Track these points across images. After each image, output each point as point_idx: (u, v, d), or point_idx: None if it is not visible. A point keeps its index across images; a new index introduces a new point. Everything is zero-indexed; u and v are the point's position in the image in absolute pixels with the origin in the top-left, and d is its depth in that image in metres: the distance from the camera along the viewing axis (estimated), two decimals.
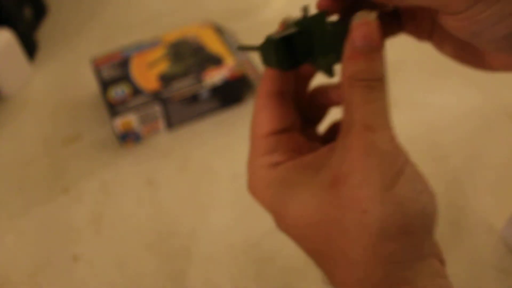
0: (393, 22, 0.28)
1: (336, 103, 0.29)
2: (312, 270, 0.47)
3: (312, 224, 0.22)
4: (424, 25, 0.27)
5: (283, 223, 0.24)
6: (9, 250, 0.50)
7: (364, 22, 0.22)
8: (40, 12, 0.77)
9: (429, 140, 0.57)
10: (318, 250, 0.23)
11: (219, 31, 0.66)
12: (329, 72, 0.26)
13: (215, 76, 0.59)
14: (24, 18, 0.70)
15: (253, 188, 0.27)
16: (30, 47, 0.70)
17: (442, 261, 0.23)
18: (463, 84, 0.60)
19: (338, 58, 0.25)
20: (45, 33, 0.76)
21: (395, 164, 0.21)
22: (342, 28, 0.24)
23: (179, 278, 0.46)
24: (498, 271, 0.45)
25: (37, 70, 0.70)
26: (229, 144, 0.58)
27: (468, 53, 0.26)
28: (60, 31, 0.77)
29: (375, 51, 0.22)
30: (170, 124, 0.60)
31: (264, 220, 0.51)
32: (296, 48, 0.25)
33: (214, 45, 0.63)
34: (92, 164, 0.57)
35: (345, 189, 0.21)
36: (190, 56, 0.61)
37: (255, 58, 0.66)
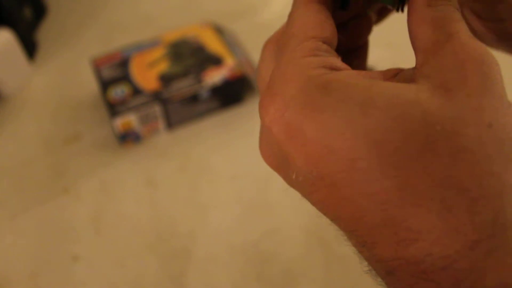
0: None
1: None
2: (312, 270, 0.47)
3: (405, 147, 0.16)
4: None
5: (340, 149, 0.16)
6: (9, 250, 0.50)
7: None
8: (40, 12, 0.77)
9: None
10: (409, 184, 0.16)
11: (219, 31, 0.66)
12: (401, 4, 0.23)
13: (215, 76, 0.59)
14: (24, 18, 0.70)
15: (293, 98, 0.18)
16: (30, 47, 0.70)
17: None
18: None
19: None
20: (45, 33, 0.76)
21: (503, 80, 0.17)
22: None
23: (179, 278, 0.46)
24: None
25: (37, 70, 0.70)
26: (229, 144, 0.58)
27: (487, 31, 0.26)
28: (60, 31, 0.77)
29: None
30: (170, 124, 0.60)
31: (264, 220, 0.51)
32: None
33: (214, 45, 0.63)
34: (92, 164, 0.57)
35: (462, 98, 0.16)
36: (190, 56, 0.61)
37: (255, 58, 0.66)
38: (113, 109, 0.56)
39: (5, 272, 0.48)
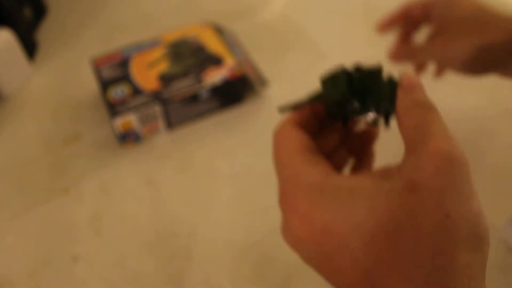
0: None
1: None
2: (312, 270, 0.47)
3: (378, 231, 0.21)
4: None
5: (335, 233, 0.22)
6: (9, 250, 0.50)
7: (410, 76, 0.26)
8: (40, 12, 0.77)
9: None
10: (381, 259, 0.21)
11: (219, 31, 0.66)
12: (387, 121, 0.28)
13: (215, 76, 0.59)
14: (24, 18, 0.70)
15: (295, 198, 0.25)
16: (30, 47, 0.70)
17: None
18: (463, 84, 0.60)
19: (392, 108, 0.27)
20: (45, 33, 0.76)
21: (469, 174, 0.23)
22: (393, 83, 0.27)
23: (179, 278, 0.46)
24: (498, 271, 0.45)
25: (37, 70, 0.70)
26: (229, 144, 0.58)
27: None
28: (60, 31, 0.77)
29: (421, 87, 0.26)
30: (170, 124, 0.60)
31: (264, 220, 0.51)
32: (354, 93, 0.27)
33: (214, 45, 0.63)
34: (92, 164, 0.57)
35: (425, 193, 0.21)
36: (190, 56, 0.61)
37: (255, 58, 0.66)
38: (113, 109, 0.56)
39: (5, 272, 0.48)
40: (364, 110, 0.28)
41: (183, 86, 0.58)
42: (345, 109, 0.28)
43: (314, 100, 0.28)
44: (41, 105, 0.65)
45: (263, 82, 0.63)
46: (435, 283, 0.20)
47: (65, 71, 0.70)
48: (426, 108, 0.24)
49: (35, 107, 0.65)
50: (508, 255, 0.46)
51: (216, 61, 0.61)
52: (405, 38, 0.54)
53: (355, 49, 0.70)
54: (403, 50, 0.51)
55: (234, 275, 0.46)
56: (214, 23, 0.68)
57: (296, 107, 0.29)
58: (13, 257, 0.49)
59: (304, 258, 0.25)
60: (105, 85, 0.58)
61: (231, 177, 0.55)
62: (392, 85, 0.27)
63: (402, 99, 0.25)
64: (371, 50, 0.67)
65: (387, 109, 0.27)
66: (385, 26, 0.53)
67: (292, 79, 0.66)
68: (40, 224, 0.51)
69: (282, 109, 0.29)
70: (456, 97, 0.62)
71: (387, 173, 0.23)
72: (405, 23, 0.52)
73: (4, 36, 0.62)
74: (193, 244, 0.49)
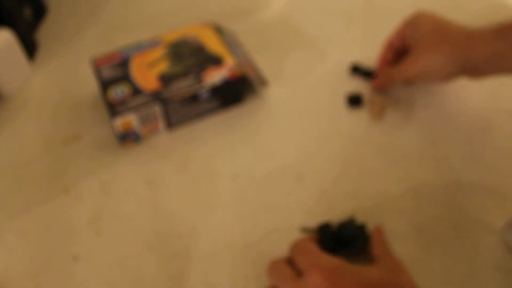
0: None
1: None
2: None
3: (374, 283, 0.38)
4: None
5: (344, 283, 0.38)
6: (9, 250, 0.50)
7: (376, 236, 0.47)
8: (40, 12, 0.77)
9: (429, 139, 0.57)
10: None
11: (219, 31, 0.66)
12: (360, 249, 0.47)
13: (215, 76, 0.59)
14: (24, 18, 0.70)
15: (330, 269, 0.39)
16: (30, 47, 0.70)
17: None
18: (463, 84, 0.60)
19: (365, 246, 0.46)
20: (45, 33, 0.76)
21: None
22: (364, 230, 0.47)
23: (179, 278, 0.46)
24: (498, 271, 0.45)
25: (37, 70, 0.70)
26: (229, 144, 0.58)
27: None
28: (60, 31, 0.77)
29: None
30: (170, 124, 0.60)
31: (264, 220, 0.51)
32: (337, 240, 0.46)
33: (214, 45, 0.63)
34: (92, 164, 0.57)
35: (394, 275, 0.41)
36: (190, 56, 0.61)
37: (255, 58, 0.66)
38: (113, 109, 0.56)
39: (5, 272, 0.48)
40: (344, 247, 0.46)
41: (183, 86, 0.58)
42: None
43: (317, 232, 0.47)
44: (41, 105, 0.65)
45: (263, 82, 0.63)
46: None
47: (65, 71, 0.70)
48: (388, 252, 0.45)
49: (35, 107, 0.65)
50: (508, 255, 0.46)
51: (216, 61, 0.61)
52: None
53: (355, 49, 0.70)
54: (382, 77, 0.61)
55: (234, 275, 0.46)
56: (214, 23, 0.68)
57: (306, 231, 0.48)
58: (13, 257, 0.49)
59: None
60: (105, 85, 0.58)
61: (231, 177, 0.55)
62: (363, 230, 0.46)
63: (375, 244, 0.45)
64: (371, 50, 0.67)
65: (359, 247, 0.46)
66: (382, 64, 0.62)
67: (292, 79, 0.66)
68: (40, 224, 0.51)
69: (303, 230, 0.48)
70: (456, 97, 0.62)
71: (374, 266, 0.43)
72: (391, 54, 0.61)
73: (4, 36, 0.62)
74: (193, 244, 0.49)
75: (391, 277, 0.39)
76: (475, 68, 0.52)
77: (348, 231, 0.46)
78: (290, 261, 0.42)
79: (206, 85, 0.58)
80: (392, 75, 0.59)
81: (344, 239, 0.46)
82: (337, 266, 0.38)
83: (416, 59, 0.55)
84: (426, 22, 0.55)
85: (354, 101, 0.62)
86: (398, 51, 0.60)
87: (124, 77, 0.59)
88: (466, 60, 0.51)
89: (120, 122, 0.55)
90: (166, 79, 0.58)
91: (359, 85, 0.64)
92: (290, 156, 0.56)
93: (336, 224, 0.47)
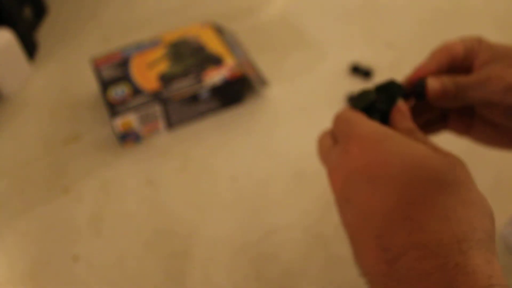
0: (439, 124, 0.39)
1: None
2: (312, 270, 0.47)
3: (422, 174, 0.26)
4: (465, 122, 0.38)
5: (386, 164, 0.27)
6: (9, 250, 0.50)
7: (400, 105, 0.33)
8: (40, 12, 0.77)
9: (429, 139, 0.57)
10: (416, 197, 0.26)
11: (219, 31, 0.66)
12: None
13: (215, 76, 0.59)
14: (24, 18, 0.70)
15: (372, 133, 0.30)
16: (30, 47, 0.70)
17: None
18: None
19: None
20: (45, 33, 0.76)
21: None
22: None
23: (179, 278, 0.46)
24: None
25: (37, 70, 0.70)
26: (229, 144, 0.58)
27: (503, 137, 0.37)
28: (60, 31, 0.77)
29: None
30: (170, 124, 0.60)
31: (263, 220, 0.51)
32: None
33: (214, 45, 0.63)
34: (92, 164, 0.57)
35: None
36: (190, 56, 0.61)
37: (255, 58, 0.66)
38: (113, 109, 0.56)
39: (5, 272, 0.48)
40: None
41: (183, 86, 0.58)
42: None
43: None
44: (41, 105, 0.65)
45: (263, 82, 0.63)
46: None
47: (65, 71, 0.70)
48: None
49: (35, 107, 0.65)
50: (508, 255, 0.46)
51: (216, 61, 0.61)
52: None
53: (355, 49, 0.70)
54: (450, 85, 0.35)
55: (234, 274, 0.46)
56: (214, 23, 0.68)
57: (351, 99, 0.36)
58: (13, 257, 0.49)
59: (345, 189, 0.28)
60: (105, 85, 0.58)
61: (231, 177, 0.55)
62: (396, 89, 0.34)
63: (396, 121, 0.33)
64: (370, 50, 0.67)
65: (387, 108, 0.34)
66: (432, 68, 0.38)
67: (292, 79, 0.66)
68: (40, 224, 0.51)
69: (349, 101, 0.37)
70: None
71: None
72: (446, 60, 0.38)
73: (4, 36, 0.62)
74: (193, 243, 0.49)
75: (451, 161, 0.27)
76: None
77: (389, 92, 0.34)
78: (333, 134, 0.34)
79: (206, 85, 0.58)
80: (465, 86, 0.35)
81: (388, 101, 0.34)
82: (379, 137, 0.28)
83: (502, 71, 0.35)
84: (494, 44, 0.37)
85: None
86: (456, 60, 0.38)
87: (124, 77, 0.59)
88: None
89: (120, 122, 0.55)
90: (166, 79, 0.58)
91: (359, 85, 0.64)
92: (290, 156, 0.56)
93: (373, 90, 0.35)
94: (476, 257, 0.23)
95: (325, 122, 0.63)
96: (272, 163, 0.56)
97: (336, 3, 0.79)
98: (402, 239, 0.24)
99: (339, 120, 0.33)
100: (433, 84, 0.35)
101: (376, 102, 0.34)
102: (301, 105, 0.62)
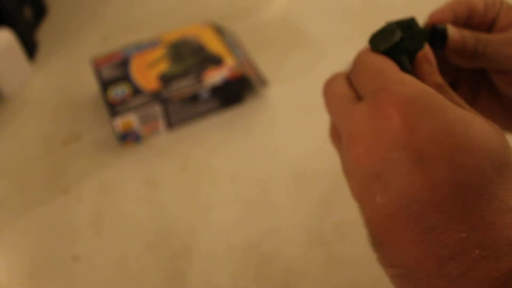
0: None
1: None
2: (312, 270, 0.47)
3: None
4: (472, 91, 0.33)
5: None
6: (9, 250, 0.50)
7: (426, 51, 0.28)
8: (40, 12, 0.77)
9: None
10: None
11: (219, 31, 0.66)
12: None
13: (215, 76, 0.59)
14: (24, 18, 0.70)
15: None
16: (30, 47, 0.70)
17: None
18: None
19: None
20: (45, 33, 0.76)
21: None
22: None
23: (179, 278, 0.46)
24: None
25: (37, 70, 0.70)
26: (229, 144, 0.58)
27: (507, 113, 0.31)
28: (60, 31, 0.77)
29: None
30: (170, 124, 0.60)
31: (264, 220, 0.51)
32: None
33: (214, 45, 0.63)
34: (92, 164, 0.57)
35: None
36: (190, 56, 0.61)
37: (255, 58, 0.66)
38: (113, 109, 0.56)
39: (5, 272, 0.48)
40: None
41: (183, 86, 0.58)
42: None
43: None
44: (41, 105, 0.65)
45: (263, 82, 0.63)
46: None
47: (65, 71, 0.70)
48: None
49: (35, 107, 0.65)
50: None
51: (216, 61, 0.61)
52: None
53: (355, 48, 0.70)
54: (468, 37, 0.31)
55: (234, 274, 0.46)
56: (214, 23, 0.68)
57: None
58: (13, 257, 0.49)
59: (379, 164, 0.22)
60: (105, 85, 0.58)
61: (231, 177, 0.55)
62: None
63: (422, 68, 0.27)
64: None
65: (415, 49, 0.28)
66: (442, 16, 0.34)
67: (292, 79, 0.66)
68: (40, 224, 0.51)
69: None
70: None
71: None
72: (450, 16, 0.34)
73: (4, 36, 0.62)
74: (193, 244, 0.49)
75: (503, 136, 0.22)
76: None
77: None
78: (354, 82, 0.27)
79: (206, 85, 0.58)
80: (486, 44, 0.31)
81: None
82: (428, 103, 0.22)
83: None
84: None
85: None
86: (474, 15, 0.34)
87: (124, 77, 0.59)
88: None
89: (120, 122, 0.55)
90: (166, 79, 0.58)
91: None
92: (290, 156, 0.56)
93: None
94: None
95: (325, 122, 0.63)
96: (272, 163, 0.56)
97: (336, 3, 0.79)
98: (463, 235, 0.19)
99: (365, 67, 0.26)
100: (454, 32, 0.29)
101: (403, 41, 0.27)
102: (301, 105, 0.62)
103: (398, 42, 0.26)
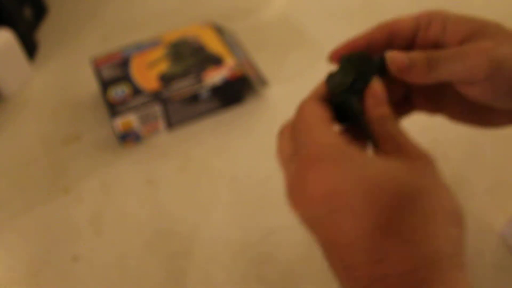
0: (405, 105, 0.35)
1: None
2: (312, 271, 0.47)
3: (382, 197, 0.24)
4: (435, 101, 0.34)
5: (344, 192, 0.25)
6: (10, 250, 0.50)
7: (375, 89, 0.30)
8: (40, 12, 0.77)
9: (429, 138, 0.57)
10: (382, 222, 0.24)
11: (219, 31, 0.66)
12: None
13: (215, 76, 0.59)
14: (24, 18, 0.70)
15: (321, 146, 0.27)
16: (30, 47, 0.70)
17: None
18: None
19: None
20: (45, 33, 0.76)
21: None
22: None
23: (179, 278, 0.46)
24: (498, 271, 0.45)
25: (37, 70, 0.70)
26: (229, 144, 0.58)
27: (478, 115, 0.33)
28: (60, 31, 0.77)
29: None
30: (170, 124, 0.60)
31: (263, 219, 0.51)
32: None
33: (214, 45, 0.63)
34: (92, 164, 0.57)
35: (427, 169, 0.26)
36: (190, 56, 0.61)
37: (255, 58, 0.66)
38: (113, 109, 0.56)
39: (5, 272, 0.48)
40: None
41: (183, 86, 0.58)
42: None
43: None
44: (41, 105, 0.65)
45: (263, 82, 0.63)
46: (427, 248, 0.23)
47: (65, 71, 0.70)
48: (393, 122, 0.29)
49: (35, 107, 0.65)
50: (508, 255, 0.46)
51: (216, 61, 0.61)
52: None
53: None
54: (420, 59, 0.31)
55: (234, 274, 0.46)
56: (214, 23, 0.68)
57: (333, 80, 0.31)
58: (13, 257, 0.49)
59: (306, 218, 0.28)
60: (105, 85, 0.58)
61: (231, 177, 0.55)
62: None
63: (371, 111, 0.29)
64: None
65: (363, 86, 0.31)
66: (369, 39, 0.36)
67: (292, 79, 0.66)
68: (40, 224, 0.51)
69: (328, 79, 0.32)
70: None
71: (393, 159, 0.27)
72: (383, 36, 0.35)
73: (4, 36, 0.62)
74: (193, 243, 0.49)
75: (416, 167, 0.26)
76: None
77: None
78: (292, 134, 0.31)
79: (206, 85, 0.58)
80: (439, 60, 0.30)
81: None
82: (335, 159, 0.26)
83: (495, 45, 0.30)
84: (461, 18, 0.34)
85: None
86: (397, 36, 0.34)
87: (124, 77, 0.59)
88: None
89: (120, 122, 0.55)
90: (166, 79, 0.58)
91: None
92: None
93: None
94: (441, 283, 0.23)
95: None
96: (272, 163, 0.56)
97: (336, 3, 0.79)
98: (367, 271, 0.24)
99: (300, 120, 0.29)
100: (395, 58, 0.30)
101: (355, 82, 0.30)
102: None
103: (350, 85, 0.30)
